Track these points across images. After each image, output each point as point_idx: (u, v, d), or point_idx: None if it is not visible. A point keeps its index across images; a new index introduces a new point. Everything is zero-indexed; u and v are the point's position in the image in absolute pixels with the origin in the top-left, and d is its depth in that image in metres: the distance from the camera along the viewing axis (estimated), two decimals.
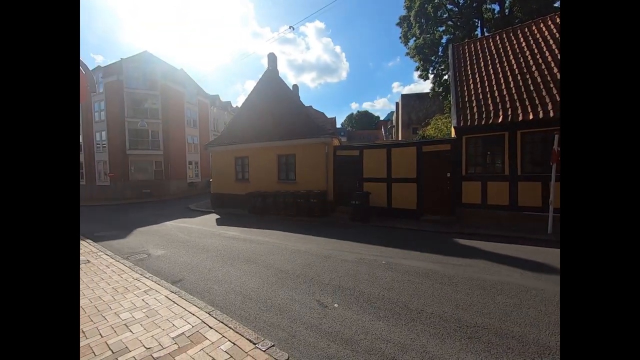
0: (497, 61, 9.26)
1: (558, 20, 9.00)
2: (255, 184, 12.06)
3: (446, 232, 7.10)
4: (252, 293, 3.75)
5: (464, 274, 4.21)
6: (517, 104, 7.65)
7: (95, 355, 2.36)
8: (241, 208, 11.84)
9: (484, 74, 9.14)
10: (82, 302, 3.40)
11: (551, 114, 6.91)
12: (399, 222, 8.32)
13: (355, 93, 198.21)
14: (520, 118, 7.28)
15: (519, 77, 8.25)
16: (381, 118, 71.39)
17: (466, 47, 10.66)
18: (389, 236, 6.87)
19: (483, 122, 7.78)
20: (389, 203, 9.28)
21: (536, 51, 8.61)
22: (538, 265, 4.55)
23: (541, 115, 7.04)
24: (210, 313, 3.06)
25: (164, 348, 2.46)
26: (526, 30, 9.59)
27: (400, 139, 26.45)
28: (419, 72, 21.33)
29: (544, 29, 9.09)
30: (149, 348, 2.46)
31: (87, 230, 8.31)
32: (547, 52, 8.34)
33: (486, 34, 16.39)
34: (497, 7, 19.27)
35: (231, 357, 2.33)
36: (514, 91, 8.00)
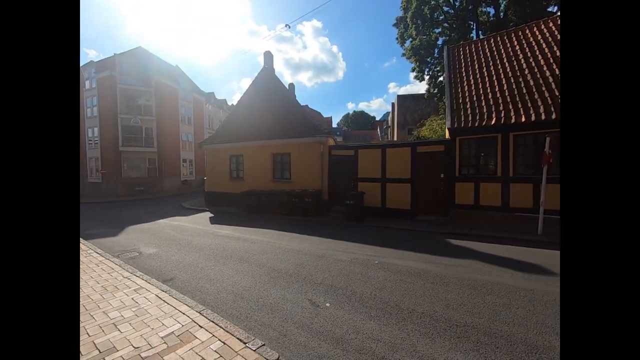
0: (491, 64, 9.36)
1: (551, 24, 9.14)
2: (250, 182, 12.00)
3: (439, 232, 7.16)
4: (244, 292, 3.73)
5: (456, 274, 4.25)
6: (510, 106, 7.75)
7: (82, 355, 2.32)
8: (235, 207, 11.78)
9: (478, 76, 9.23)
10: None
11: (543, 117, 7.02)
12: (393, 222, 8.36)
13: (351, 93, 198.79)
14: (513, 120, 7.38)
15: (512, 80, 8.36)
16: (377, 118, 71.54)
17: (461, 49, 10.75)
18: (383, 236, 6.90)
19: (476, 124, 7.86)
20: (383, 203, 9.32)
21: (529, 54, 8.73)
22: (528, 266, 4.62)
23: (533, 117, 7.15)
24: (201, 312, 3.04)
25: (152, 347, 2.43)
26: (520, 33, 9.71)
27: (395, 139, 26.59)
28: (414, 73, 21.51)
29: (537, 32, 9.22)
30: (138, 347, 2.43)
31: None
32: (539, 55, 8.46)
33: (481, 36, 16.56)
34: (492, 10, 19.52)
35: (221, 356, 2.31)
36: (507, 94, 8.10)
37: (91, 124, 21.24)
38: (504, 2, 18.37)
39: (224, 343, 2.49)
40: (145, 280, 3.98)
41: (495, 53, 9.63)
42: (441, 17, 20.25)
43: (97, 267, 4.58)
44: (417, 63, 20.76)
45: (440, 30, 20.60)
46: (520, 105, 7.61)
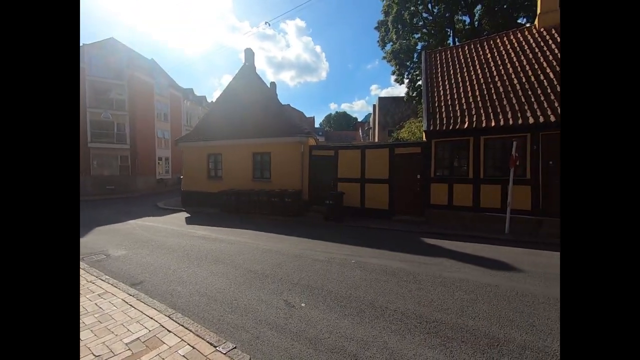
0: (464, 70, 9.79)
1: (519, 35, 9.71)
2: (228, 182, 11.73)
3: (415, 231, 7.39)
4: (218, 294, 3.64)
5: (428, 272, 4.41)
6: (482, 111, 8.15)
7: None
8: (213, 207, 11.46)
9: (452, 81, 9.63)
10: None
11: (510, 122, 7.45)
12: (371, 222, 8.52)
13: (334, 93, 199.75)
14: (484, 125, 7.76)
15: (484, 86, 8.79)
16: (359, 119, 72.66)
17: (438, 54, 11.15)
18: (361, 236, 7.01)
19: (451, 127, 8.19)
20: (362, 203, 9.46)
21: (499, 62, 9.23)
22: (495, 263, 4.89)
23: (502, 122, 7.57)
24: (170, 316, 2.93)
25: (115, 355, 2.31)
26: (491, 42, 10.24)
27: (376, 140, 27.09)
28: (395, 76, 22.00)
29: (507, 42, 9.78)
30: (98, 356, 2.30)
31: None
32: (508, 63, 8.97)
33: (457, 43, 17.26)
34: (467, 19, 20.40)
35: None
36: (479, 99, 8.51)
37: None
38: (479, 12, 19.29)
39: (194, 347, 2.42)
40: (111, 284, 3.77)
41: (469, 60, 10.09)
42: (420, 23, 20.88)
43: None
44: (397, 66, 21.28)
45: (419, 35, 21.23)
46: (490, 111, 8.03)
